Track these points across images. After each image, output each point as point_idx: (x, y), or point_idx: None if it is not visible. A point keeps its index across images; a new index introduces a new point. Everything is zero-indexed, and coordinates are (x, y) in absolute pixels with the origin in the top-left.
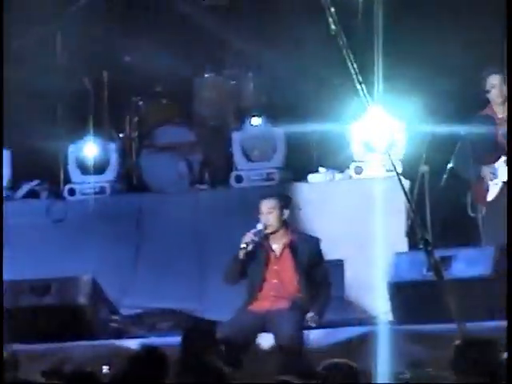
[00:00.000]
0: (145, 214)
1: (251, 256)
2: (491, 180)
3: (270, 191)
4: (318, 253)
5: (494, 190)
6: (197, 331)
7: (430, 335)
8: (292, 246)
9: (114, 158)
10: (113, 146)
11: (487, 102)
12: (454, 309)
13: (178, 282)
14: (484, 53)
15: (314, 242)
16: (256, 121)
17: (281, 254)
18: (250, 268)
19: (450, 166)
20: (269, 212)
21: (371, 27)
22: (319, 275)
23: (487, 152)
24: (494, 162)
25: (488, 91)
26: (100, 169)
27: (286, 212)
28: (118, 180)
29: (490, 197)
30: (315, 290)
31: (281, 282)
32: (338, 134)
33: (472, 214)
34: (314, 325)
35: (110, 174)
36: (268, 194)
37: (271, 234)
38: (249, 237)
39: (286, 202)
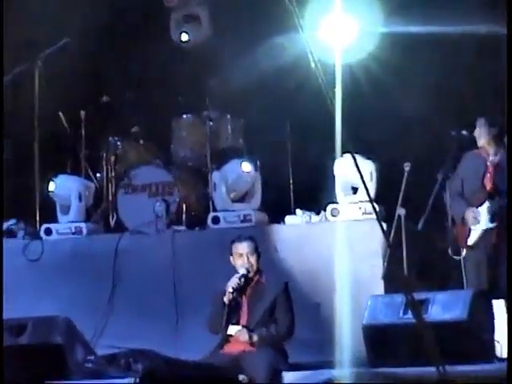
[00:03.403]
0: (121, 255)
1: (233, 301)
2: (473, 224)
3: (245, 234)
4: (285, 295)
5: (474, 234)
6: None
7: (406, 378)
8: (261, 286)
9: (91, 198)
10: (90, 186)
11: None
12: (431, 352)
13: (154, 322)
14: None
15: (283, 285)
16: (247, 167)
17: (251, 294)
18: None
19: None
20: (250, 255)
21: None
22: (280, 317)
23: (473, 193)
24: (478, 206)
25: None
26: (76, 209)
27: (259, 255)
28: (93, 220)
29: (470, 241)
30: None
31: (248, 321)
32: (314, 176)
33: (452, 255)
34: (246, 338)
35: (85, 214)
36: (244, 237)
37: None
38: (235, 282)
39: (258, 245)
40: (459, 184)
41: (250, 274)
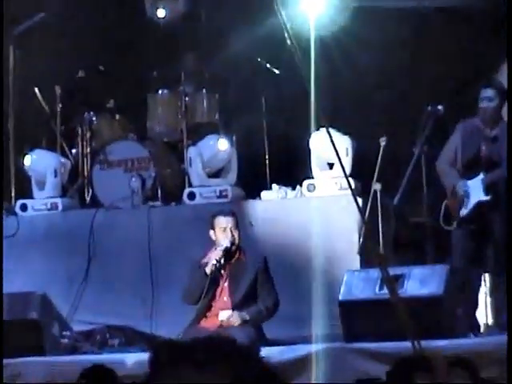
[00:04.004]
0: (97, 230)
1: (214, 274)
2: (463, 198)
3: (227, 208)
4: (266, 270)
5: (464, 208)
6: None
7: (381, 353)
8: (242, 263)
9: (66, 175)
10: (65, 163)
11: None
12: (406, 327)
13: (130, 297)
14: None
15: (262, 259)
16: (223, 144)
17: (231, 271)
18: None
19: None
20: (234, 229)
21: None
22: (264, 293)
23: (468, 162)
24: (472, 177)
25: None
26: (51, 185)
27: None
28: (69, 195)
29: (463, 213)
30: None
31: (231, 299)
32: (291, 151)
33: (444, 226)
34: (234, 322)
35: (61, 189)
36: (227, 211)
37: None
38: (219, 254)
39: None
40: (452, 152)
41: (233, 248)
